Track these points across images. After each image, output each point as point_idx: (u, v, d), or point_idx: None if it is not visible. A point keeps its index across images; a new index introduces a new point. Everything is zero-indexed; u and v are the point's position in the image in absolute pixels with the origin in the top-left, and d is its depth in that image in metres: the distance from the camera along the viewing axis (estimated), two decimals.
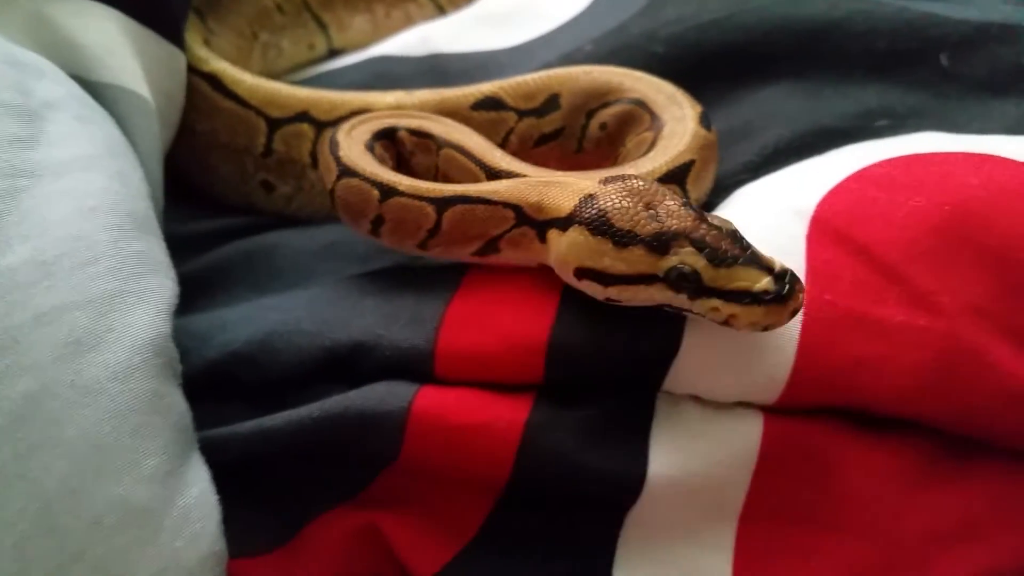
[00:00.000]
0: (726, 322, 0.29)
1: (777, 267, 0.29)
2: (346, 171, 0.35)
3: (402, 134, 0.38)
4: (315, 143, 0.44)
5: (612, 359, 0.32)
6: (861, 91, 0.42)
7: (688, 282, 0.29)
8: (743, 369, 0.31)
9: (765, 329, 0.29)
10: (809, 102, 0.43)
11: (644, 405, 0.32)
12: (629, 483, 0.31)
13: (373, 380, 0.33)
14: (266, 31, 0.55)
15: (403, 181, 0.34)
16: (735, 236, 0.30)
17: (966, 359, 0.31)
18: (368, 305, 0.35)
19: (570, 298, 0.33)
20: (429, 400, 0.32)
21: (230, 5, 0.53)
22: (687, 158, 0.36)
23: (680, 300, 0.30)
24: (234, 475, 0.33)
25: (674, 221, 0.30)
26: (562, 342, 0.32)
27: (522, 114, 0.42)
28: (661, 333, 0.31)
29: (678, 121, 0.38)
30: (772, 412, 0.31)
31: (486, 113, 0.42)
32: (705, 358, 0.31)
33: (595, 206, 0.31)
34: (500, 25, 0.52)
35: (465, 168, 0.37)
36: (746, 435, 0.31)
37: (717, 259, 0.29)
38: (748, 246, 0.30)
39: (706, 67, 0.44)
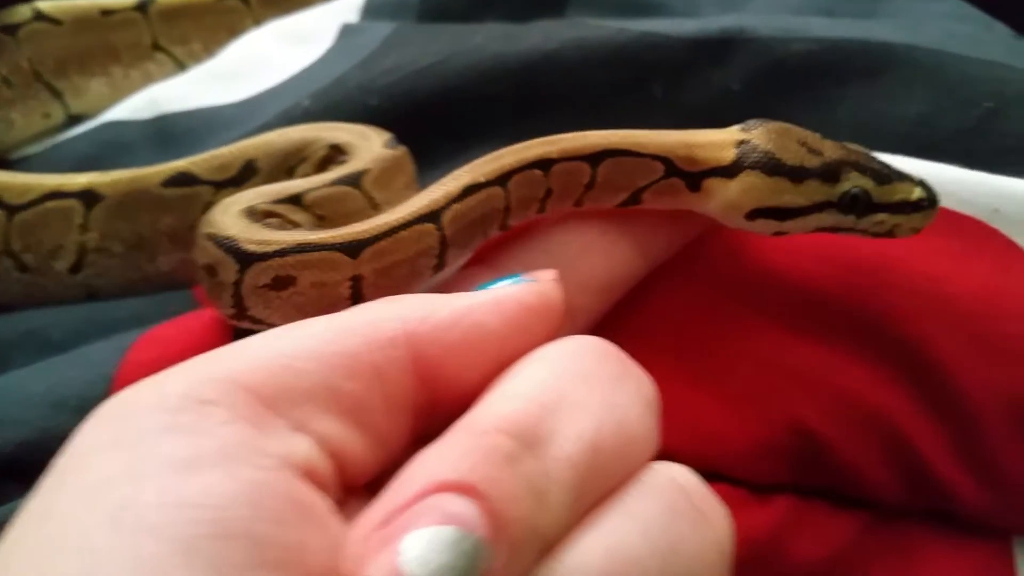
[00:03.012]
0: (889, 232, 0.33)
1: (917, 178, 0.33)
2: (487, 183, 0.33)
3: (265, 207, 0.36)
4: (6, 229, 0.42)
5: None
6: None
7: (859, 202, 0.32)
8: None
9: (915, 233, 0.33)
10: None
11: None
12: None
13: None
14: None
15: (556, 149, 0.34)
16: (875, 157, 0.33)
17: None
18: (37, 396, 0.33)
19: None
20: None
21: None
22: (359, 168, 0.37)
23: (848, 220, 0.33)
24: None
25: (830, 151, 0.33)
26: None
27: (219, 185, 0.40)
28: None
29: (365, 149, 0.39)
30: None
31: (178, 189, 0.40)
32: None
33: (760, 149, 0.33)
34: (229, 80, 0.51)
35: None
36: None
37: (880, 178, 0.33)
38: (887, 163, 0.33)
39: (422, 116, 0.43)
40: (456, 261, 0.33)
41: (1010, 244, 0.36)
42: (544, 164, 0.33)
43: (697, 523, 0.23)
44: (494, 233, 0.34)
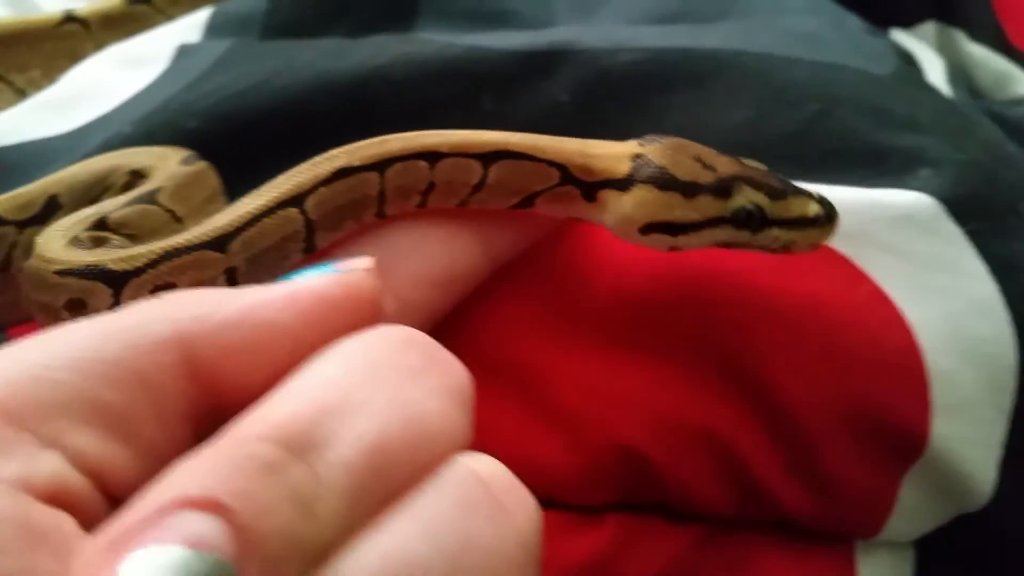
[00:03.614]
0: (784, 248, 0.32)
1: (816, 194, 0.33)
2: (361, 168, 0.32)
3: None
4: None
5: None
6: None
7: (753, 218, 0.32)
8: None
9: (814, 248, 0.33)
10: None
11: None
12: None
13: None
14: None
15: (446, 143, 0.33)
16: (771, 173, 0.33)
17: None
18: None
19: None
20: None
21: None
22: (152, 187, 0.36)
23: (742, 236, 0.32)
24: None
25: (724, 167, 0.33)
26: None
27: (22, 224, 0.38)
28: None
29: (161, 169, 0.38)
30: None
31: None
32: None
33: (653, 164, 0.32)
34: (64, 109, 0.49)
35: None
36: None
37: (774, 193, 0.32)
38: (785, 179, 0.33)
39: (243, 136, 0.42)
40: (327, 241, 0.33)
41: (834, 254, 0.35)
42: (431, 156, 0.32)
43: (495, 517, 0.21)
44: (369, 219, 0.33)
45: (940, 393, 0.34)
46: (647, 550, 0.34)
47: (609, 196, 0.33)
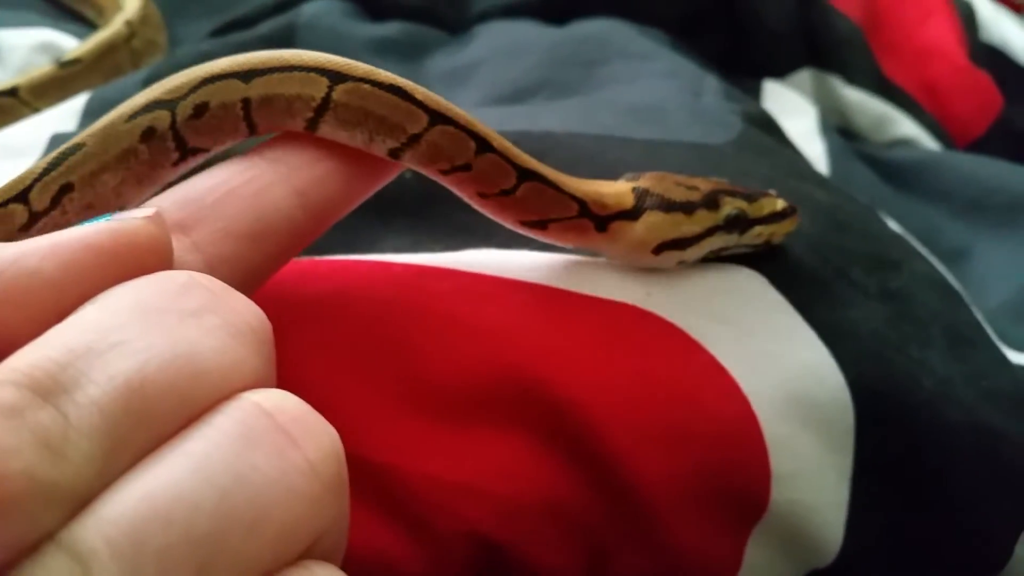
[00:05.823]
0: (767, 241, 0.38)
1: (772, 191, 0.38)
2: (419, 103, 0.32)
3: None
4: None
5: None
6: None
7: (739, 222, 0.37)
8: None
9: (787, 237, 0.38)
10: None
11: None
12: None
13: None
14: None
15: (499, 141, 0.34)
16: (733, 184, 0.38)
17: None
18: None
19: None
20: None
21: None
22: None
23: (733, 239, 0.37)
24: None
25: (701, 185, 0.38)
26: None
27: None
28: None
29: None
30: None
31: None
32: None
33: (654, 194, 0.37)
34: None
35: None
36: None
37: (749, 198, 0.37)
38: (746, 186, 0.38)
39: None
40: (332, 135, 0.32)
41: (670, 326, 0.36)
42: (483, 143, 0.33)
43: (279, 448, 0.21)
44: (379, 150, 0.32)
45: (779, 459, 0.35)
46: None
47: (621, 226, 0.36)
